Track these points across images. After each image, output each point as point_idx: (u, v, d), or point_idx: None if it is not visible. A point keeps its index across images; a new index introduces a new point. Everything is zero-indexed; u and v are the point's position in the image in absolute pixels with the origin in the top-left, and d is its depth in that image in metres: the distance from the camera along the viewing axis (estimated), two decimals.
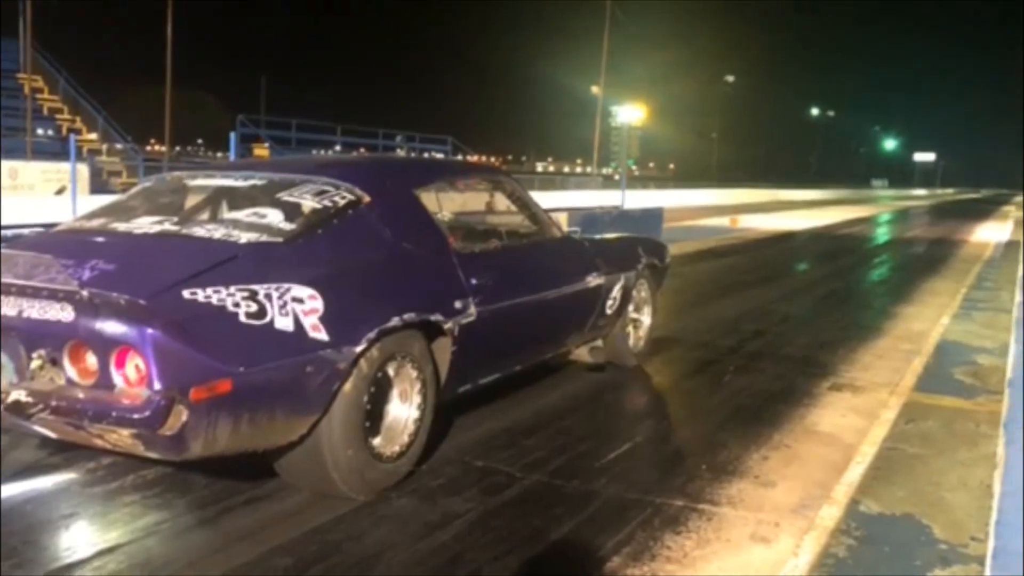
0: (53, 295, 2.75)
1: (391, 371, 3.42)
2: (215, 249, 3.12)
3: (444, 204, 4.09)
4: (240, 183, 3.80)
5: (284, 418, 2.98)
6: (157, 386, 2.58)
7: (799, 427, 4.47)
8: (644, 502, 3.40)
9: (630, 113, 37.08)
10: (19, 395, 2.80)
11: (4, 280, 2.86)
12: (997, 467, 2.34)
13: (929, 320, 7.70)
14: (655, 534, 3.12)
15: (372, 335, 3.17)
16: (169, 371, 2.59)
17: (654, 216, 17.13)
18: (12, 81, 21.78)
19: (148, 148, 39.19)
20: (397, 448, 3.47)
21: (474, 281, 3.87)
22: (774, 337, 7.02)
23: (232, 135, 12.88)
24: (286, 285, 2.97)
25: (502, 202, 4.97)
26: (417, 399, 3.55)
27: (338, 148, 26.04)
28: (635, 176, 40.14)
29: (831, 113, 74.05)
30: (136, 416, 2.59)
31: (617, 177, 33.64)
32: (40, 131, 21.06)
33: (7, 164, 16.09)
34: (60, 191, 16.09)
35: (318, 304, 3.02)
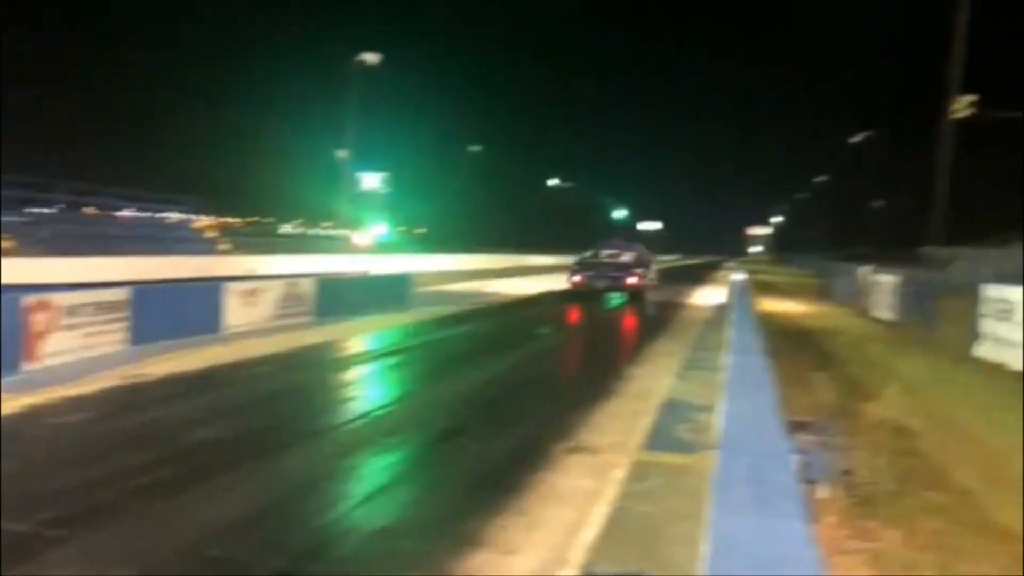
0: (619, 267, 21.15)
1: None
2: (627, 262, 21.37)
3: None
4: (611, 249, 22.39)
5: None
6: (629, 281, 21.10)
7: (538, 492, 4.61)
8: None
9: (374, 179, 38.03)
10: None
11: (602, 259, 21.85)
12: (707, 525, 2.52)
13: (655, 380, 8.29)
14: None
15: None
16: (630, 285, 20.60)
17: (402, 281, 17.28)
18: None
19: None
20: None
21: None
22: (516, 402, 7.24)
23: None
24: (643, 269, 21.25)
25: None
26: None
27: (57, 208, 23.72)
28: (390, 240, 40.50)
29: (569, 184, 79.51)
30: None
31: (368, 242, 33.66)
32: None
33: None
34: None
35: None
